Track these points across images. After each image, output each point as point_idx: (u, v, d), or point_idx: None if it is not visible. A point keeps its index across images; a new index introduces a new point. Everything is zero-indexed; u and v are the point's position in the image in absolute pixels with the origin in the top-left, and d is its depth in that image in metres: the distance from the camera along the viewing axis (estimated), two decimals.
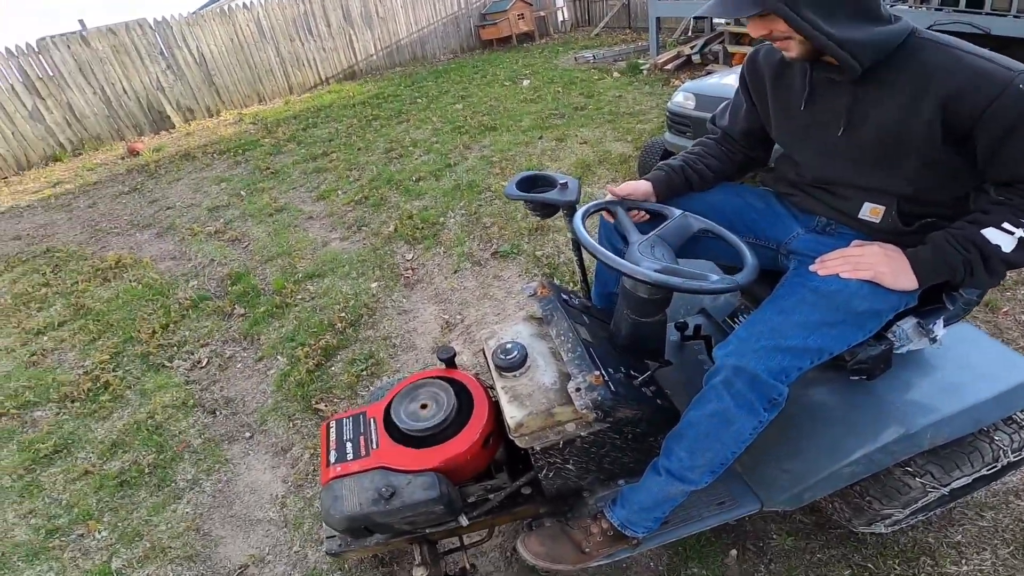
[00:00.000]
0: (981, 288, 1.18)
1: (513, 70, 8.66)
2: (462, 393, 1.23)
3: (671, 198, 1.36)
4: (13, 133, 6.90)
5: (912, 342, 1.19)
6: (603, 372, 1.07)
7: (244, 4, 8.62)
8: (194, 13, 8.26)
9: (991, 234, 0.97)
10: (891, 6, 5.15)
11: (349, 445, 1.17)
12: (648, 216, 1.34)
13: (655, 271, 1.02)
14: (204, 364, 2.66)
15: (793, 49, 1.03)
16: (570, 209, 1.39)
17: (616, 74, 7.44)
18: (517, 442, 1.08)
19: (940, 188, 1.06)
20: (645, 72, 7.40)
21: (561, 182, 1.38)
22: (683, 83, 6.58)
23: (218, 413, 2.36)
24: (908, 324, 1.17)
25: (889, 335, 1.17)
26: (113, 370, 2.69)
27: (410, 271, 3.15)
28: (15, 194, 6.01)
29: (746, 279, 1.05)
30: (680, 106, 3.41)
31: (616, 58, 8.76)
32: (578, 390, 1.04)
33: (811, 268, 1.11)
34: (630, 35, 11.33)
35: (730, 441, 1.07)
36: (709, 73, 6.53)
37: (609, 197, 1.33)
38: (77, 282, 3.58)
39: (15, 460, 2.25)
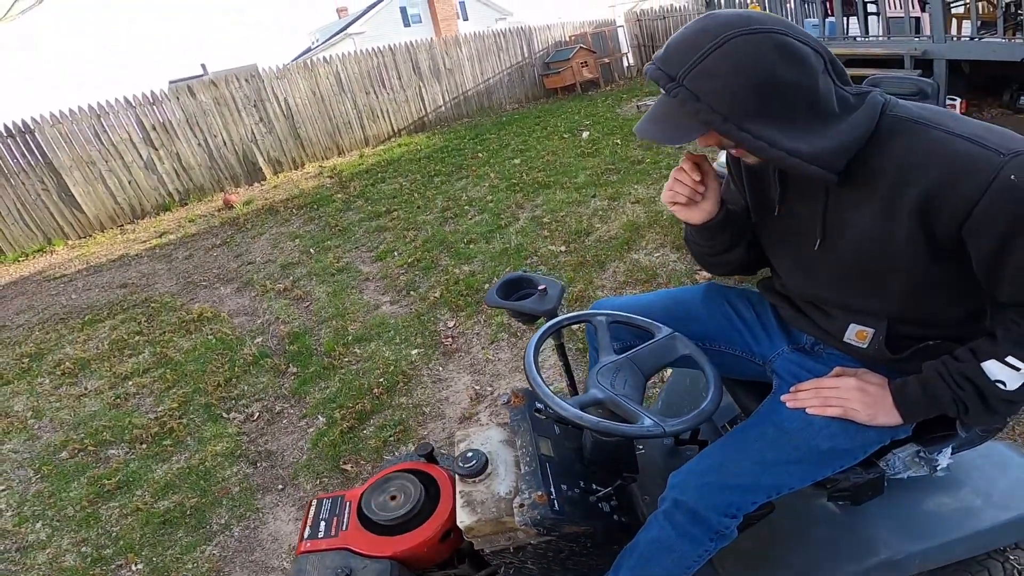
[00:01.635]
0: (982, 426, 1.04)
1: (574, 121, 8.88)
2: (431, 488, 1.31)
3: (729, 224, 1.11)
4: (130, 182, 7.80)
5: (909, 471, 1.11)
6: (551, 490, 1.10)
7: (324, 58, 9.46)
8: (282, 66, 9.13)
9: (992, 368, 0.83)
10: (979, 37, 4.88)
11: (323, 524, 1.27)
12: (713, 173, 1.09)
13: (582, 405, 1.01)
14: (256, 418, 2.93)
15: (751, 157, 0.91)
16: (550, 317, 1.39)
17: None
18: (473, 542, 1.14)
19: (940, 307, 0.93)
20: None
21: (540, 287, 1.39)
22: None
23: (258, 464, 2.59)
24: (905, 452, 1.09)
25: (880, 463, 1.10)
26: (179, 417, 3.02)
27: (450, 339, 3.32)
28: (128, 243, 6.89)
29: (680, 427, 0.99)
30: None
31: None
32: (521, 506, 1.07)
33: (782, 398, 1.05)
34: None
35: (672, 567, 1.03)
36: None
37: (575, 314, 1.27)
38: (165, 332, 4.06)
39: (83, 492, 2.60)
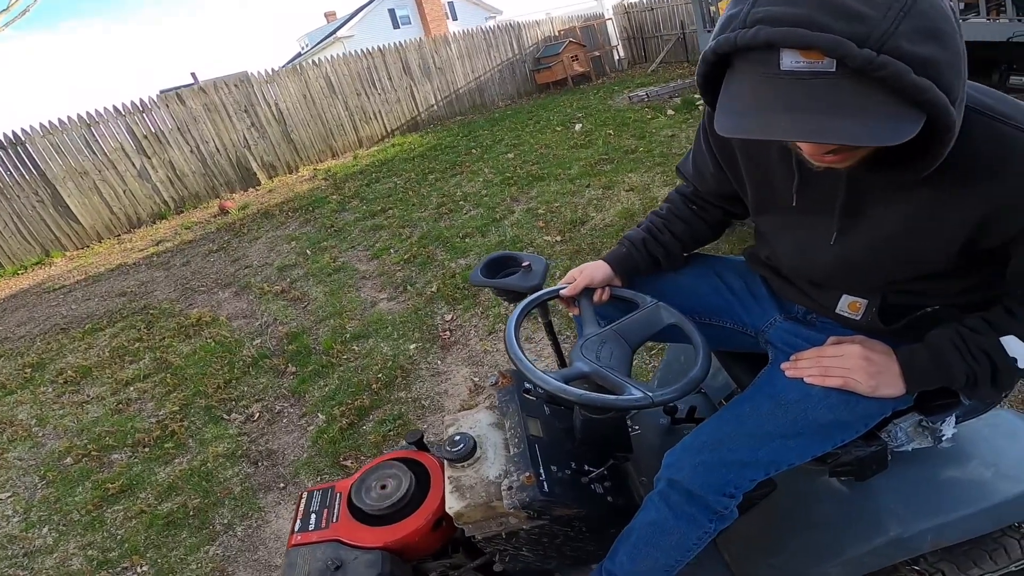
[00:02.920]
0: (978, 400, 1.00)
1: (566, 114, 8.87)
2: (422, 475, 1.28)
3: (634, 278, 1.24)
4: (124, 192, 7.78)
5: (913, 442, 1.07)
6: (540, 471, 1.07)
7: (313, 61, 9.44)
8: (272, 70, 9.09)
9: (1012, 344, 0.80)
10: (963, 19, 4.87)
11: (313, 516, 1.25)
12: (608, 296, 1.21)
13: (566, 379, 0.98)
14: (256, 418, 2.94)
15: (854, 159, 0.74)
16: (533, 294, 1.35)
17: (670, 111, 7.44)
18: (463, 528, 1.12)
19: (939, 281, 0.89)
20: (700, 107, 7.34)
21: (524, 264, 1.36)
22: None
23: (260, 464, 2.60)
24: (907, 423, 1.05)
25: (882, 435, 1.06)
26: (181, 420, 3.03)
27: (447, 332, 3.32)
28: (125, 252, 6.90)
29: (670, 396, 0.96)
30: None
31: (671, 94, 8.76)
32: (510, 488, 1.05)
33: (782, 366, 1.01)
34: (688, 68, 11.28)
35: (672, 550, 1.00)
36: None
37: (560, 286, 1.22)
38: (164, 338, 4.06)
39: (88, 496, 2.62)
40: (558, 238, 4.29)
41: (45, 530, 2.48)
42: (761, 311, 1.20)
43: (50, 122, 7.29)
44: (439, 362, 3.08)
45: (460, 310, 3.54)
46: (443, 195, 5.95)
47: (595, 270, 1.21)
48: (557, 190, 5.32)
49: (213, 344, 3.79)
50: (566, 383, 0.98)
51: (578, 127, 7.73)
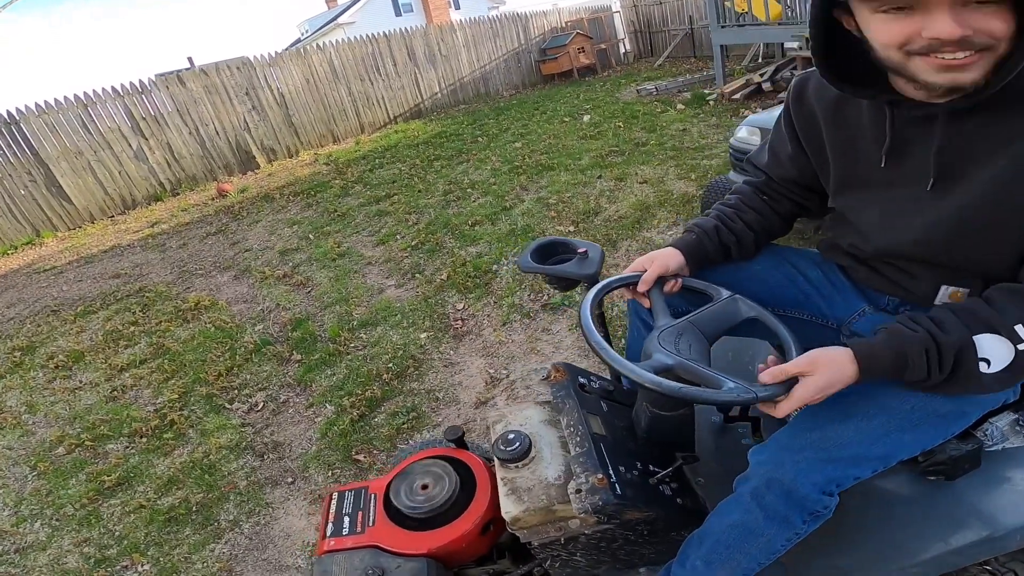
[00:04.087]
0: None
1: (573, 105, 8.73)
2: (465, 476, 1.19)
3: (705, 269, 1.17)
4: (120, 172, 7.63)
5: (1007, 440, 1.04)
6: (611, 472, 0.99)
7: (318, 45, 9.27)
8: (275, 54, 8.92)
9: (985, 344, 0.76)
10: None
11: (347, 519, 1.16)
12: (679, 286, 1.14)
13: (658, 370, 0.90)
14: (260, 408, 2.79)
15: (980, 67, 0.72)
16: (590, 282, 1.26)
17: (680, 106, 7.32)
18: (517, 534, 1.04)
19: None
20: (711, 102, 7.22)
21: (580, 250, 1.28)
22: (754, 113, 6.37)
23: (266, 457, 2.46)
24: (1003, 421, 1.02)
25: (978, 433, 1.02)
26: (180, 409, 2.88)
27: (459, 322, 3.19)
28: (119, 233, 6.70)
29: (775, 390, 0.86)
30: (744, 142, 3.26)
31: (680, 89, 8.63)
32: (578, 491, 0.96)
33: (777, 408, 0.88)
34: (695, 64, 11.16)
35: (756, 553, 0.93)
36: (782, 102, 6.27)
37: (630, 274, 1.15)
38: (161, 322, 3.90)
39: (82, 490, 2.45)
40: (571, 228, 4.16)
41: (37, 525, 2.33)
42: (844, 302, 1.13)
43: (46, 102, 7.11)
44: (452, 352, 2.94)
45: (472, 299, 3.41)
46: (450, 182, 5.80)
47: (667, 258, 1.13)
48: (568, 180, 5.19)
49: (213, 329, 3.64)
50: (657, 375, 0.88)
51: (586, 118, 7.59)
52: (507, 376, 2.68)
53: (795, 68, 6.89)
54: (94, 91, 7.41)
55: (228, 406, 2.84)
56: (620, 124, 6.91)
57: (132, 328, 3.91)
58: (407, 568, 1.04)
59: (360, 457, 2.29)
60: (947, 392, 0.83)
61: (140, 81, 7.74)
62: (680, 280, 1.14)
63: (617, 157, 5.62)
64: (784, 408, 0.84)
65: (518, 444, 1.07)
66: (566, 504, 0.99)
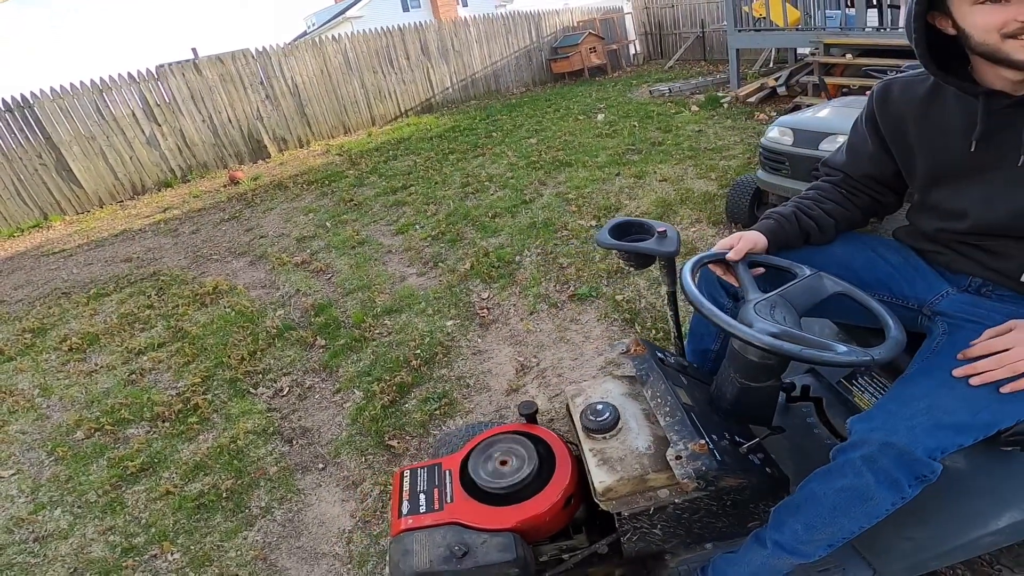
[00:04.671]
0: None
1: (586, 104, 8.70)
2: (543, 450, 1.18)
3: (785, 252, 1.22)
4: (131, 158, 7.57)
5: None
6: (707, 439, 1.01)
7: (333, 37, 9.24)
8: (290, 43, 8.90)
9: None
10: None
11: (423, 497, 1.14)
12: (763, 270, 1.20)
13: (771, 335, 0.92)
14: (285, 393, 2.74)
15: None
16: (669, 260, 1.31)
17: (694, 107, 7.30)
18: (603, 506, 1.04)
19: None
20: (726, 105, 7.21)
21: (660, 230, 1.30)
22: (768, 116, 6.36)
23: (295, 442, 2.41)
24: None
25: None
26: (203, 393, 2.83)
27: (485, 310, 3.14)
28: (129, 218, 6.64)
29: (887, 354, 0.91)
30: (776, 141, 3.24)
31: (693, 91, 8.62)
32: (679, 458, 0.98)
33: (955, 373, 0.95)
34: (705, 67, 11.16)
35: (861, 517, 0.95)
36: (797, 106, 6.25)
37: (720, 251, 1.20)
38: (178, 306, 3.84)
39: (104, 476, 2.39)
40: (593, 222, 4.12)
41: (57, 512, 2.25)
42: (927, 284, 1.17)
43: (61, 86, 7.05)
44: (479, 340, 2.90)
45: (496, 288, 3.37)
46: (467, 175, 5.76)
47: (756, 237, 1.20)
48: (586, 176, 5.15)
49: (233, 314, 3.58)
50: (774, 339, 0.90)
51: (600, 117, 7.56)
52: (537, 364, 2.64)
53: (810, 73, 6.87)
54: (110, 77, 7.35)
55: (253, 391, 2.79)
56: (635, 124, 6.88)
57: (148, 311, 3.85)
58: (493, 543, 1.02)
59: (393, 443, 2.25)
60: None
61: (158, 67, 7.68)
62: (761, 267, 1.19)
63: (634, 155, 5.60)
64: (984, 368, 0.90)
65: (607, 414, 1.09)
66: (659, 473, 1.02)
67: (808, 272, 1.12)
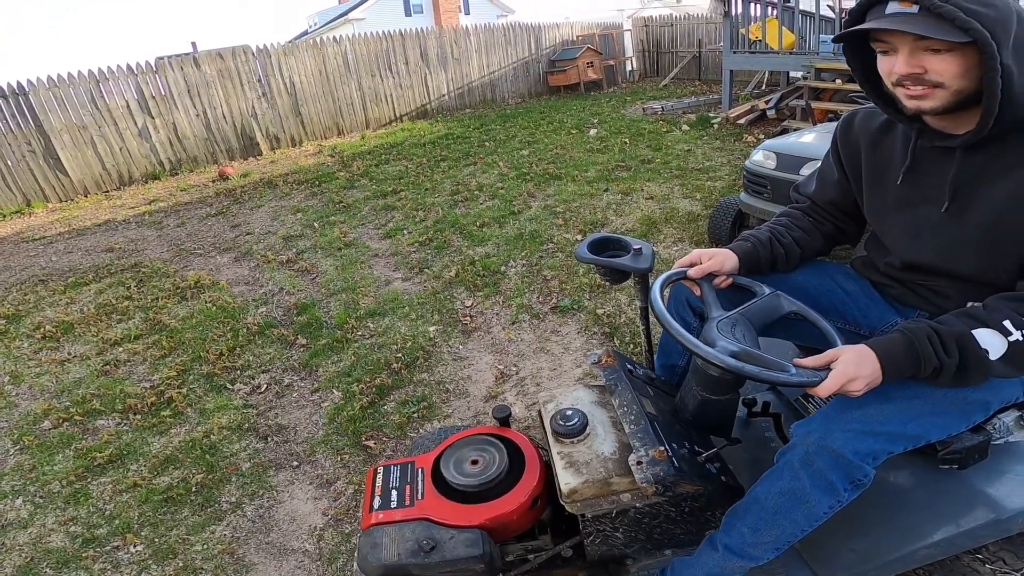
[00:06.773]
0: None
1: (580, 118, 8.81)
2: (514, 452, 1.22)
3: (753, 275, 1.27)
4: (121, 149, 7.49)
5: (1012, 434, 1.17)
6: (667, 447, 1.05)
7: (334, 38, 9.26)
8: (290, 42, 8.90)
9: (984, 336, 0.88)
10: None
11: (394, 493, 1.17)
12: (730, 282, 1.25)
13: (731, 355, 0.96)
14: (263, 390, 2.73)
15: (935, 99, 0.91)
16: (642, 277, 1.35)
17: (685, 127, 7.42)
18: (568, 507, 1.07)
19: None
20: (716, 126, 7.34)
21: (635, 247, 1.34)
22: (756, 139, 6.49)
23: (270, 439, 2.40)
24: (1009, 417, 1.15)
25: (988, 426, 1.14)
26: (178, 387, 2.80)
27: (468, 318, 3.16)
28: (113, 208, 6.56)
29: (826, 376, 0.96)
30: (759, 165, 3.30)
31: (685, 110, 8.77)
32: (639, 463, 1.03)
33: (809, 391, 1.01)
34: (700, 86, 11.36)
35: (801, 519, 1.00)
36: (784, 130, 6.40)
37: (688, 268, 1.24)
38: (158, 298, 3.81)
39: (68, 466, 2.35)
40: (579, 236, 4.16)
41: (19, 501, 2.21)
42: (878, 314, 1.24)
43: (58, 75, 7.00)
44: (461, 347, 2.91)
45: (481, 297, 3.39)
46: (457, 183, 5.79)
47: (725, 258, 1.24)
48: (574, 191, 5.21)
49: (213, 308, 3.56)
50: (735, 360, 0.95)
51: (593, 132, 7.65)
52: (516, 372, 2.66)
53: (800, 96, 7.04)
54: (108, 68, 7.31)
55: (230, 386, 2.77)
56: (627, 140, 6.98)
57: (126, 303, 3.81)
58: (461, 539, 1.05)
59: (371, 443, 2.25)
60: (966, 382, 0.92)
61: (157, 60, 7.66)
62: (731, 278, 1.24)
63: (623, 172, 5.67)
64: (826, 387, 0.91)
65: (576, 420, 1.13)
66: (622, 477, 1.06)
67: (767, 291, 1.18)
